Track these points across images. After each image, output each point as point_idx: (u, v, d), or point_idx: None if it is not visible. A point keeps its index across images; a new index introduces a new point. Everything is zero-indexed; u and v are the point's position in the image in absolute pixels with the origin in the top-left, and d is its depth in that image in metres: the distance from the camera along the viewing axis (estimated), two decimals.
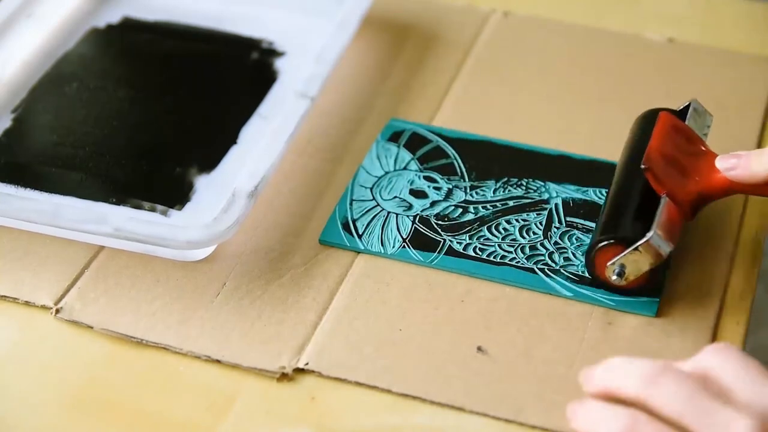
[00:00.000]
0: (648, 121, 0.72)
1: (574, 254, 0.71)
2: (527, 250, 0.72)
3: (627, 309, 0.68)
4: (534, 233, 0.73)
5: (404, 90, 0.85)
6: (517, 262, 0.71)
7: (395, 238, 0.73)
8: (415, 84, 0.85)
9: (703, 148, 0.70)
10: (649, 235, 0.65)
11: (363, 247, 0.72)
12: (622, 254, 0.66)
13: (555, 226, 0.73)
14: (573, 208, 0.74)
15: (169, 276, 0.71)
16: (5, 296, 0.70)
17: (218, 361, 0.66)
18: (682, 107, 0.73)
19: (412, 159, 0.78)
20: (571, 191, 0.75)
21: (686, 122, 0.71)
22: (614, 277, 0.67)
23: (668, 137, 0.69)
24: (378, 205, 0.75)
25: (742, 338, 0.68)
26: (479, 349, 0.67)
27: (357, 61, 0.87)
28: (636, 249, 0.65)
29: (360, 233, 0.73)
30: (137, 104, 0.83)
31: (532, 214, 0.74)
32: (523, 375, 0.65)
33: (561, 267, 0.70)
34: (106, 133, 0.80)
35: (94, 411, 0.64)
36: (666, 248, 0.65)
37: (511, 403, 0.64)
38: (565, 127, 0.81)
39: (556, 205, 0.74)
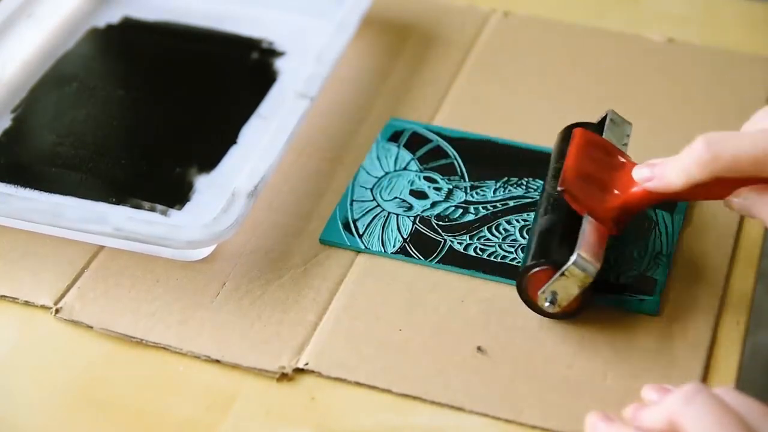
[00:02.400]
0: (565, 138, 0.71)
1: None
2: None
3: (627, 308, 0.68)
4: None
5: (404, 90, 0.85)
6: (517, 263, 0.71)
7: (396, 238, 0.73)
8: (415, 84, 0.85)
9: (622, 160, 0.68)
10: (573, 258, 0.64)
11: (363, 247, 0.72)
12: (550, 281, 0.65)
13: None
14: None
15: (169, 276, 0.71)
16: (5, 296, 0.70)
17: (218, 361, 0.66)
18: (600, 119, 0.72)
19: (413, 159, 0.78)
20: None
21: (604, 134, 0.70)
22: (547, 305, 0.66)
23: (584, 154, 0.68)
24: (378, 205, 0.75)
25: (742, 338, 0.68)
26: (479, 349, 0.67)
27: (357, 61, 0.87)
28: (562, 274, 0.64)
29: (360, 233, 0.73)
30: (137, 104, 0.83)
31: (533, 214, 0.74)
32: (523, 375, 0.65)
33: None
34: (106, 133, 0.80)
35: (94, 411, 0.64)
36: (592, 269, 0.64)
37: (511, 403, 0.64)
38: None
39: None
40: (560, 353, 0.66)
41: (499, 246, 0.72)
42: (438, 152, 0.79)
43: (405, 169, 0.77)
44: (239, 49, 0.87)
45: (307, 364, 0.66)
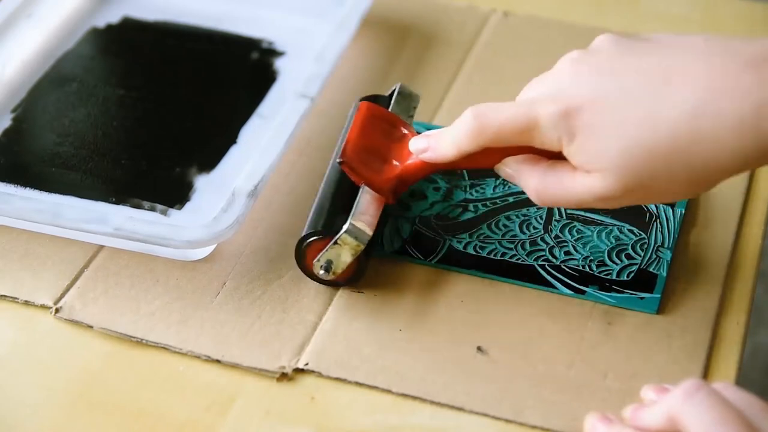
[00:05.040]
0: (355, 111, 0.73)
1: (574, 247, 0.71)
2: (527, 245, 0.72)
3: (628, 306, 0.68)
4: (534, 228, 0.73)
5: None
6: (517, 259, 0.71)
7: (395, 239, 0.73)
8: (415, 84, 0.85)
9: (405, 132, 0.71)
10: (345, 227, 0.66)
11: None
12: (324, 250, 0.67)
13: (555, 220, 0.73)
14: None
15: (169, 276, 0.71)
16: (5, 296, 0.70)
17: (218, 361, 0.66)
18: (390, 91, 0.74)
19: None
20: None
21: (390, 107, 0.73)
22: (322, 272, 0.68)
23: (368, 126, 0.70)
24: None
25: (742, 338, 0.68)
26: (479, 349, 0.67)
27: (357, 61, 0.87)
28: (336, 242, 0.67)
29: None
30: (137, 104, 0.83)
31: (533, 209, 0.74)
32: (523, 375, 0.65)
33: (561, 262, 0.70)
34: (106, 133, 0.80)
35: (94, 411, 0.64)
36: (364, 238, 0.66)
37: (511, 403, 0.64)
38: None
39: None
40: (560, 353, 0.66)
41: (499, 243, 0.72)
42: None
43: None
44: (239, 49, 0.87)
45: (307, 364, 0.66)
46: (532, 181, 0.64)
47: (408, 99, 0.74)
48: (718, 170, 0.61)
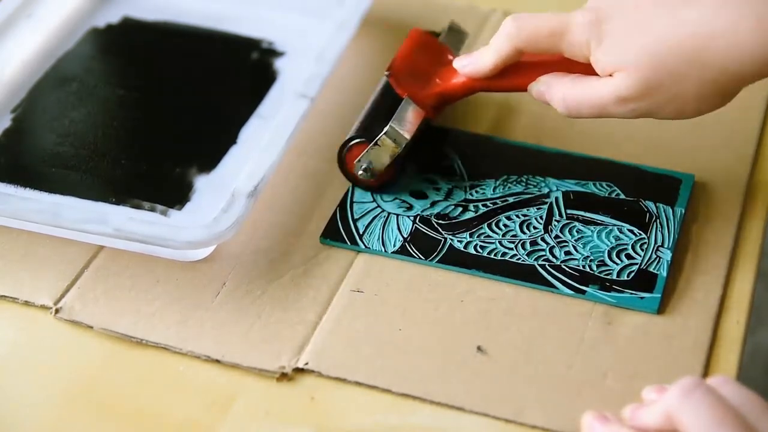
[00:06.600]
0: None
1: (575, 247, 0.71)
2: (528, 245, 0.72)
3: (628, 306, 0.68)
4: (534, 228, 0.73)
5: None
6: (518, 259, 0.71)
7: (396, 238, 0.73)
8: None
9: (451, 58, 0.76)
10: (385, 129, 0.72)
11: (363, 247, 0.72)
12: (365, 151, 0.73)
13: (555, 220, 0.73)
14: (573, 200, 0.74)
15: (169, 276, 0.71)
16: (5, 296, 0.70)
17: (218, 361, 0.66)
18: (441, 29, 0.80)
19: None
20: (571, 185, 0.75)
21: (440, 38, 0.78)
22: (361, 173, 0.74)
23: (415, 50, 0.77)
24: (378, 206, 0.75)
25: (742, 338, 0.68)
26: (479, 349, 0.67)
27: (357, 61, 0.87)
28: (376, 144, 0.73)
29: (360, 233, 0.73)
30: (137, 104, 0.83)
31: (533, 209, 0.74)
32: (523, 375, 0.65)
33: (562, 262, 0.70)
34: (106, 133, 0.80)
35: (94, 411, 0.64)
36: (401, 140, 0.72)
37: (511, 403, 0.64)
38: (565, 125, 0.80)
39: (556, 198, 0.75)
40: (560, 353, 0.66)
41: (500, 242, 0.72)
42: (437, 152, 0.79)
43: (404, 170, 0.77)
44: (239, 49, 0.87)
45: (307, 363, 0.66)
46: (560, 89, 0.69)
47: (458, 34, 0.80)
48: (737, 75, 0.64)
